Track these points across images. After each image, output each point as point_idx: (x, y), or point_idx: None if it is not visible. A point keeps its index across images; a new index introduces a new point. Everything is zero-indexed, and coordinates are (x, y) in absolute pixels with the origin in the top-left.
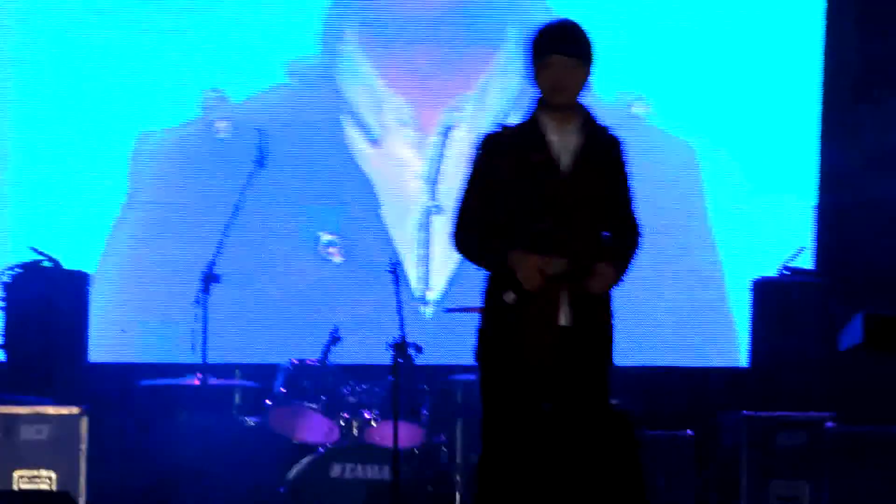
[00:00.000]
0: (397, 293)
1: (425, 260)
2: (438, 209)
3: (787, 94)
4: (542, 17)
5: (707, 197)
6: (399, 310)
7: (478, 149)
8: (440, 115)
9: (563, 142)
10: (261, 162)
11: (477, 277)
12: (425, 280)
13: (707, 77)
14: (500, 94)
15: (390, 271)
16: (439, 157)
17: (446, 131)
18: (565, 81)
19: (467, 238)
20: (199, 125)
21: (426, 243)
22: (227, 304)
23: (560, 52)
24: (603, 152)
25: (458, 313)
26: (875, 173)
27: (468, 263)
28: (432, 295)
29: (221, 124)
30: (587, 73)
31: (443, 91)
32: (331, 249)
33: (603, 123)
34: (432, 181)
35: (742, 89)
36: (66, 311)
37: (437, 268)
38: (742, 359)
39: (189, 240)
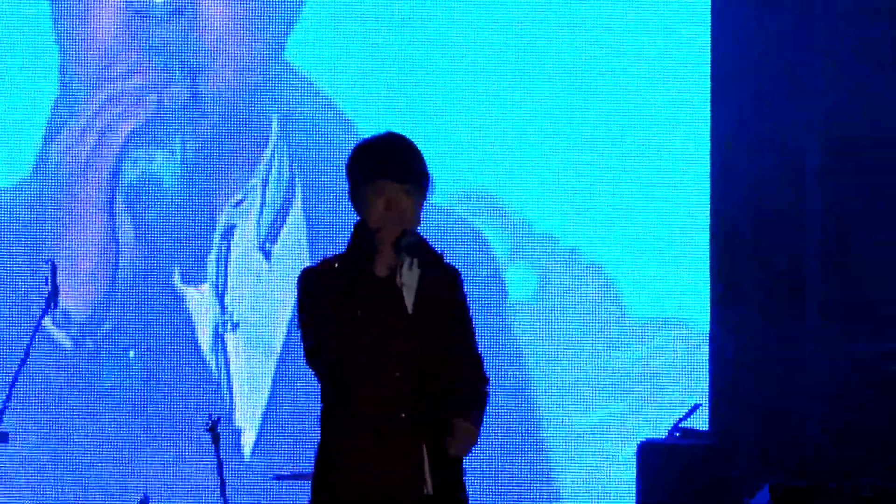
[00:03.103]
0: (217, 454)
1: (227, 387)
2: (234, 324)
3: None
4: (308, 104)
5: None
6: (220, 473)
7: (300, 287)
8: (219, 216)
9: (401, 280)
10: (54, 300)
11: (293, 411)
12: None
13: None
14: (275, 185)
15: (207, 429)
16: (224, 263)
17: (227, 232)
18: (401, 211)
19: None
20: None
21: (225, 367)
22: (17, 465)
23: (393, 176)
24: (442, 288)
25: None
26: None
27: (280, 392)
28: (245, 437)
29: None
30: (423, 197)
31: (217, 190)
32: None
33: (437, 251)
34: (220, 293)
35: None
36: None
37: (242, 398)
38: None
39: None
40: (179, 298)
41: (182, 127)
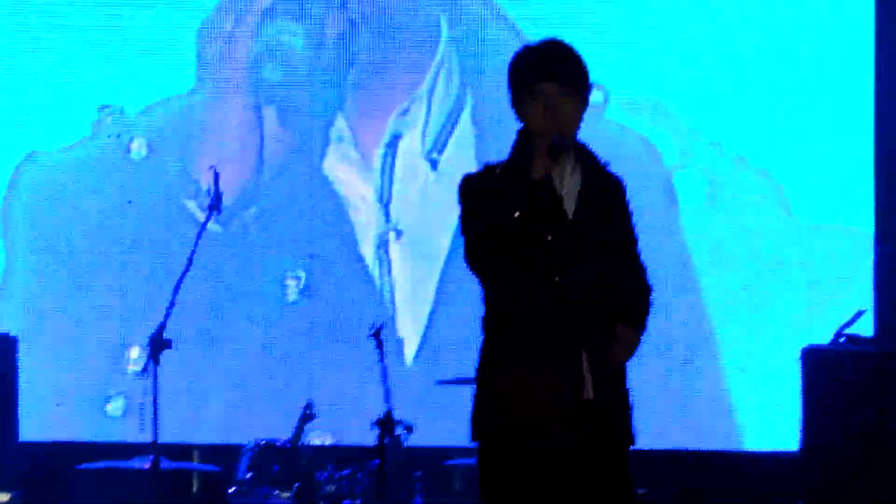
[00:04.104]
0: (381, 361)
1: (390, 294)
2: (398, 233)
3: (837, 111)
4: (477, 9)
5: (740, 236)
6: (384, 381)
7: (462, 193)
8: (384, 125)
9: (563, 184)
10: (217, 207)
11: (456, 318)
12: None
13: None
14: (443, 94)
15: (372, 335)
16: (390, 172)
17: (393, 141)
18: (560, 114)
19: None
20: (101, 145)
21: (389, 275)
22: (181, 374)
23: (552, 79)
24: (605, 194)
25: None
26: None
27: (443, 301)
28: (407, 346)
29: (137, 143)
30: (584, 102)
31: (383, 98)
32: (289, 282)
33: (601, 159)
34: (385, 202)
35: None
36: None
37: (405, 307)
38: (792, 442)
39: (129, 293)
40: (340, 205)
41: (346, 26)
